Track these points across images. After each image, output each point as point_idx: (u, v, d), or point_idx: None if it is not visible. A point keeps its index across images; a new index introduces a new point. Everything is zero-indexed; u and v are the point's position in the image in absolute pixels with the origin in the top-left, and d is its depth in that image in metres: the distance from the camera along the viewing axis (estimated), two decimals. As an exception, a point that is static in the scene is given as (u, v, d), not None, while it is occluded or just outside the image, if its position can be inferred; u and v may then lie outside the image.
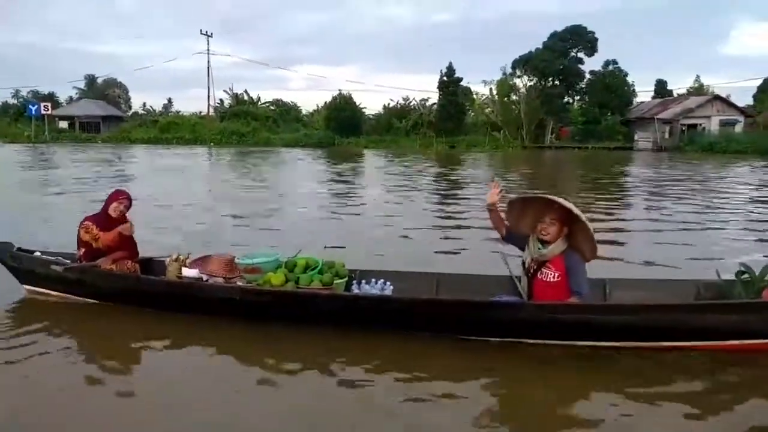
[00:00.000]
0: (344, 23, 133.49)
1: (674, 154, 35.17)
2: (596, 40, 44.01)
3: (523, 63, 45.25)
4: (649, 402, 3.19)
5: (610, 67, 45.62)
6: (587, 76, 45.28)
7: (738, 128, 40.17)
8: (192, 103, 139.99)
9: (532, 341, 3.88)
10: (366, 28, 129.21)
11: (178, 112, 57.54)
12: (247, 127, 47.56)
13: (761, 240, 8.12)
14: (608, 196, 13.67)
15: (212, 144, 42.34)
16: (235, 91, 56.20)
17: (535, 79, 45.41)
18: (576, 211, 3.75)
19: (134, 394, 3.37)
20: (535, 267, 3.98)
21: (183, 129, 47.64)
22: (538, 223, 3.95)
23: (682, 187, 15.65)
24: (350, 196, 13.24)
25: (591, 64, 45.23)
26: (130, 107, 71.85)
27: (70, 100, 64.64)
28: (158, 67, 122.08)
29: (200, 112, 55.62)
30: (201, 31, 51.70)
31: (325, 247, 4.98)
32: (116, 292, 4.70)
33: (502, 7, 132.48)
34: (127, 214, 4.85)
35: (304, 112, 58.06)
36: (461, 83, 45.74)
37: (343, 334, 4.07)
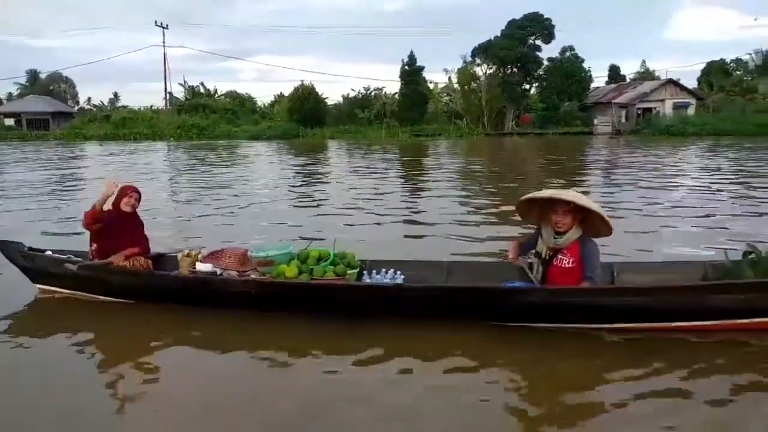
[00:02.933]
0: (296, 14, 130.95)
1: (634, 138, 36.20)
2: (553, 27, 44.76)
3: (483, 51, 45.69)
4: (663, 384, 3.27)
5: (567, 54, 46.52)
6: (545, 63, 46.07)
7: (690, 111, 41.74)
8: (140, 97, 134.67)
9: (544, 325, 3.98)
10: (318, 19, 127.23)
11: (125, 106, 55.31)
12: (207, 120, 46.44)
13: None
14: (601, 181, 13.89)
15: (172, 139, 41.15)
16: (190, 84, 54.88)
17: (494, 67, 45.91)
18: (588, 204, 3.88)
19: (151, 390, 3.35)
20: (551, 254, 4.08)
21: (139, 124, 46.09)
22: (551, 214, 4.03)
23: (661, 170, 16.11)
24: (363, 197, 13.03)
25: (548, 51, 46.14)
26: (77, 102, 68.87)
27: (9, 96, 61.86)
28: (104, 61, 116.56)
29: (152, 107, 54.03)
30: (156, 22, 50.60)
31: (335, 240, 4.94)
32: (130, 289, 4.69)
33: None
34: (138, 209, 4.92)
35: (259, 103, 57.11)
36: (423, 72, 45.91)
37: (358, 324, 4.11)
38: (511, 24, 45.31)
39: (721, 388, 3.21)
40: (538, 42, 45.33)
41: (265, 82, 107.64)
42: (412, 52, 45.16)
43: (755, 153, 21.43)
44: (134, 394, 3.31)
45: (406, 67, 45.25)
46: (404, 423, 2.95)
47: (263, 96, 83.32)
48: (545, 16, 44.70)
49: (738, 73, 52.94)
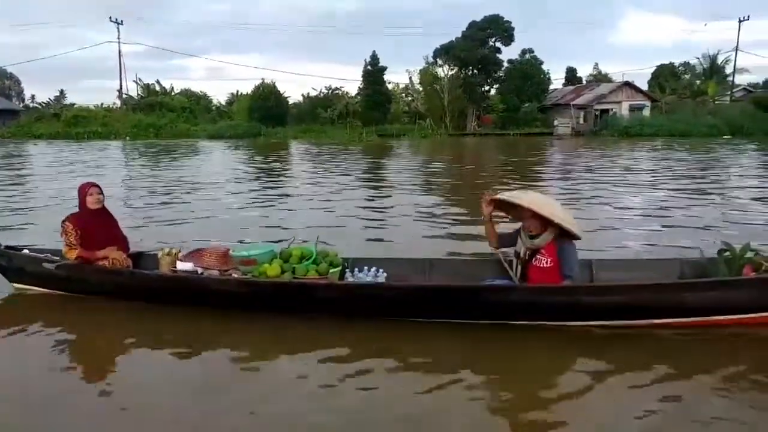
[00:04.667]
0: (246, 12, 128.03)
1: (594, 138, 37.12)
2: (513, 29, 45.37)
3: (445, 52, 45.95)
4: (637, 379, 3.31)
5: (527, 56, 47.27)
6: (505, 64, 46.65)
7: (646, 112, 43.05)
8: (87, 95, 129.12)
9: (525, 323, 4.00)
10: (269, 18, 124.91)
11: (73, 104, 52.84)
12: (164, 119, 45.00)
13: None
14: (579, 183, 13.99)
15: (128, 138, 39.66)
16: (146, 82, 53.13)
17: (456, 68, 46.24)
18: (546, 213, 3.89)
19: (128, 389, 3.31)
20: (529, 254, 4.12)
21: (92, 123, 44.19)
22: (522, 217, 4.11)
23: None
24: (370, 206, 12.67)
25: (508, 53, 46.80)
26: (22, 100, 65.78)
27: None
28: (49, 58, 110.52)
29: (102, 105, 52.06)
30: (110, 18, 48.55)
31: (318, 238, 4.90)
32: (110, 288, 4.64)
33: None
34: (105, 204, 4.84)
35: (214, 102, 55.76)
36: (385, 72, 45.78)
37: (339, 323, 4.11)
38: (472, 26, 45.71)
39: (700, 386, 3.26)
40: (498, 44, 45.90)
41: (217, 81, 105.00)
42: (374, 52, 45.13)
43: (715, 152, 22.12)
44: (106, 393, 3.28)
45: (369, 68, 45.05)
46: (384, 425, 2.91)
47: (217, 95, 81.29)
48: (505, 19, 45.31)
49: (686, 76, 55.00)
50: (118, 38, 48.18)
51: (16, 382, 3.40)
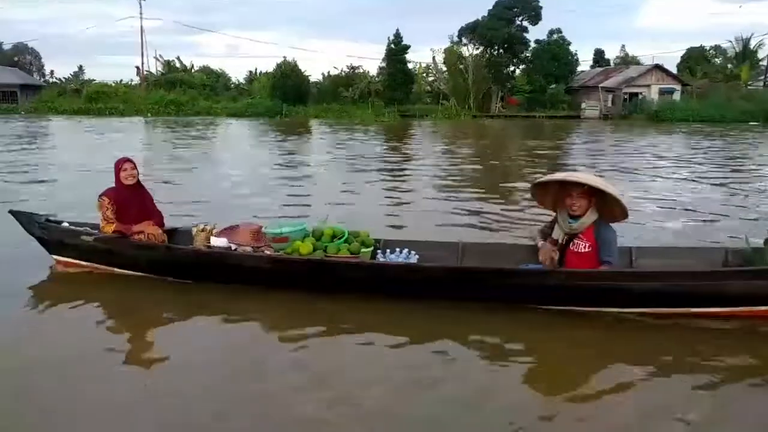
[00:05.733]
0: None
1: (623, 122, 36.42)
2: (540, 8, 44.21)
3: (471, 31, 45.03)
4: (679, 367, 3.28)
5: (554, 36, 46.13)
6: (532, 44, 45.61)
7: (676, 96, 41.84)
8: (105, 70, 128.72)
9: (560, 308, 3.95)
10: None
11: (92, 80, 52.54)
12: (185, 96, 44.82)
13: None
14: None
15: (149, 114, 39.59)
16: (166, 59, 52.91)
17: (481, 48, 45.32)
18: (603, 186, 3.78)
19: (164, 365, 3.36)
20: (567, 239, 4.05)
21: (113, 99, 44.16)
22: (565, 198, 4.01)
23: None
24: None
25: (535, 33, 45.66)
26: (42, 75, 65.92)
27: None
28: (67, 34, 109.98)
29: (121, 81, 51.75)
30: (132, -8, 48.03)
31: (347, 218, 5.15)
32: (146, 262, 4.68)
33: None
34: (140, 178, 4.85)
35: (233, 79, 55.28)
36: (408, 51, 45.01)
37: (371, 302, 4.10)
38: (498, 4, 44.63)
39: (741, 376, 3.19)
40: (525, 23, 44.81)
41: (234, 58, 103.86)
42: (398, 30, 44.26)
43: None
44: (143, 365, 3.37)
45: (392, 46, 44.29)
46: (422, 404, 2.89)
47: (235, 73, 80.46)
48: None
49: (717, 60, 53.44)
50: (140, 14, 48.02)
51: (53, 355, 3.41)
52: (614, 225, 4.05)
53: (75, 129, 24.82)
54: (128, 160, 4.81)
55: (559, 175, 4.11)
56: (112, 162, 4.91)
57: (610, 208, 3.94)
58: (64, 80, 58.53)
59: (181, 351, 3.51)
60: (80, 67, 65.61)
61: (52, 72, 64.63)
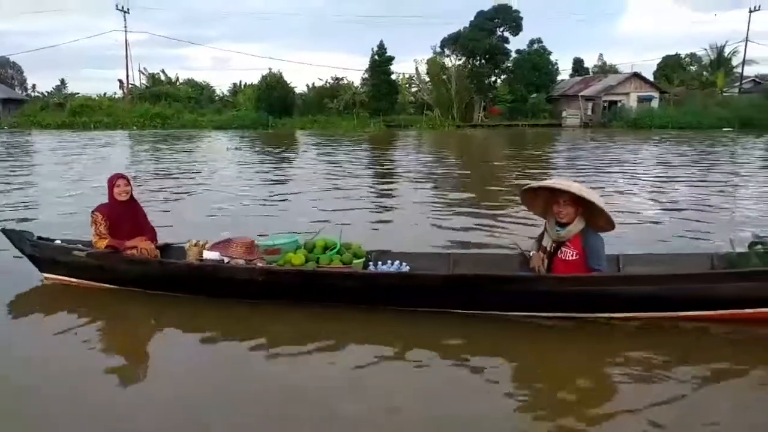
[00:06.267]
0: (245, 1, 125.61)
1: (603, 130, 36.95)
2: (521, 18, 44.91)
3: (452, 42, 45.58)
4: (665, 371, 3.29)
5: (535, 46, 46.88)
6: (513, 54, 46.29)
7: (654, 104, 42.70)
8: (88, 84, 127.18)
9: (549, 314, 3.98)
10: (270, 6, 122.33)
11: (75, 94, 52.14)
12: (169, 109, 44.80)
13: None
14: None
15: (135, 128, 39.52)
16: (150, 72, 52.87)
17: (463, 59, 45.89)
18: (587, 194, 3.85)
19: (154, 380, 3.38)
20: (554, 246, 4.08)
21: (97, 113, 44.00)
22: (552, 205, 4.05)
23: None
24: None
25: (516, 44, 46.32)
26: (25, 89, 65.30)
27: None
28: (50, 48, 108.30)
29: (105, 94, 51.62)
30: (117, 6, 47.96)
31: (341, 230, 5.05)
32: (139, 277, 4.69)
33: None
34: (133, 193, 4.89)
35: (218, 92, 55.38)
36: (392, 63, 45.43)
37: (363, 313, 4.13)
38: (480, 15, 45.27)
39: (727, 378, 3.24)
40: (507, 34, 45.46)
41: (218, 71, 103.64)
42: (382, 41, 44.66)
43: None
44: (131, 383, 3.35)
45: (376, 57, 44.71)
46: (409, 413, 2.92)
47: (220, 85, 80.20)
48: (513, 8, 44.90)
49: (692, 68, 54.55)
50: (125, 27, 47.93)
51: (42, 370, 3.44)
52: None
53: (63, 145, 24.67)
54: (122, 176, 4.84)
55: (546, 183, 4.15)
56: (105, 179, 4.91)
57: (597, 217, 3.97)
58: (46, 94, 58.17)
59: (171, 364, 3.54)
60: (63, 81, 65.23)
61: (34, 86, 64.10)
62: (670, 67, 53.09)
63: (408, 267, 4.62)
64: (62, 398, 3.13)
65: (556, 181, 4.10)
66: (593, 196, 3.88)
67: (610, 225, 3.96)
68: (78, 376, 3.39)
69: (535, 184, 4.25)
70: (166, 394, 3.16)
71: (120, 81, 53.12)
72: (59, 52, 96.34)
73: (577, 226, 3.97)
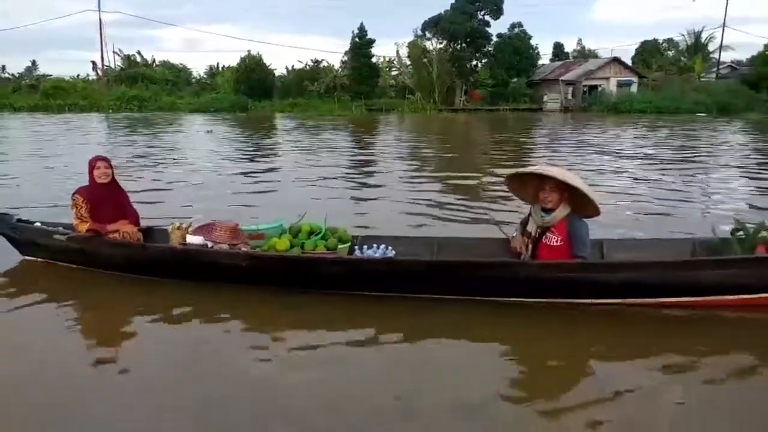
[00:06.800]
0: None
1: (583, 114, 37.37)
2: (502, 2, 44.83)
3: (433, 25, 45.37)
4: (645, 356, 3.33)
5: (516, 30, 46.89)
6: (494, 38, 46.24)
7: (633, 88, 43.14)
8: (59, 66, 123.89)
9: (534, 300, 4.00)
10: None
11: (46, 75, 50.97)
12: (147, 91, 43.95)
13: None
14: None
15: (111, 111, 38.71)
16: (126, 53, 51.69)
17: (444, 42, 45.73)
18: (571, 181, 3.86)
19: (136, 363, 3.33)
20: (539, 232, 4.09)
21: (72, 95, 42.97)
22: (539, 191, 4.04)
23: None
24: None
25: (497, 28, 46.38)
26: (-8, 71, 63.26)
27: None
28: (16, 28, 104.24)
29: (78, 76, 50.41)
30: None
31: (326, 214, 4.96)
32: (121, 261, 4.65)
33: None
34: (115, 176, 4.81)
35: (194, 74, 54.56)
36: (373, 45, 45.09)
37: (347, 298, 4.11)
38: (461, -2, 45.09)
39: (709, 365, 3.24)
40: (488, 17, 45.38)
41: (194, 52, 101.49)
42: (362, 24, 44.31)
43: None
44: (111, 367, 3.29)
45: (357, 39, 44.32)
46: (395, 400, 2.89)
47: (196, 67, 78.44)
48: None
49: (670, 53, 55.15)
50: (98, 6, 46.68)
51: (21, 353, 3.40)
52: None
53: (46, 128, 24.07)
54: (102, 158, 4.76)
55: (530, 169, 4.16)
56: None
57: (583, 203, 3.96)
58: (17, 75, 56.56)
59: (149, 349, 3.50)
60: (34, 62, 63.35)
61: (3, 67, 62.07)
62: (648, 51, 53.68)
63: (393, 251, 4.61)
64: (25, 382, 3.08)
65: (540, 167, 4.12)
66: (578, 182, 3.87)
67: (595, 211, 3.97)
68: (44, 359, 3.34)
69: (519, 170, 4.25)
70: (137, 379, 3.14)
71: (93, 62, 52.17)
72: (28, 32, 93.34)
73: (561, 212, 3.98)
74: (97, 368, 3.27)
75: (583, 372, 3.26)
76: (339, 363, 3.31)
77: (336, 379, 3.12)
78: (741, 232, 4.23)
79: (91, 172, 4.67)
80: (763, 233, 4.12)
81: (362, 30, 44.27)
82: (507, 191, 4.63)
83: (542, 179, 3.99)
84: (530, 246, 4.16)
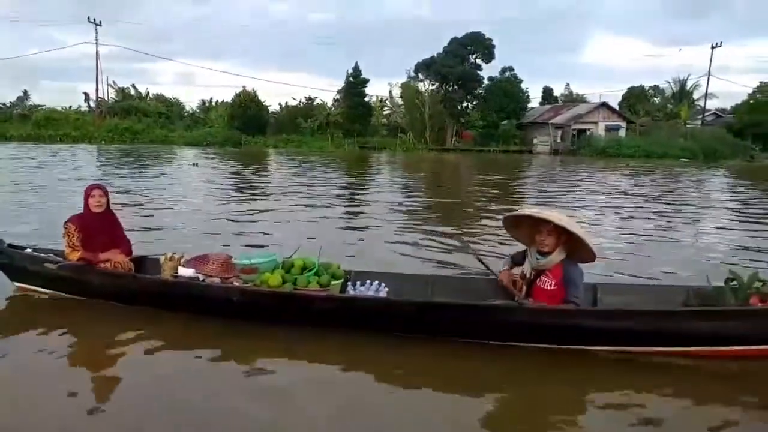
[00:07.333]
0: (217, 18, 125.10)
1: (573, 158, 37.77)
2: (494, 46, 46.05)
3: (426, 67, 46.34)
4: (636, 405, 3.26)
5: (507, 74, 47.95)
6: (485, 81, 47.23)
7: (621, 133, 43.96)
8: (49, 96, 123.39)
9: (525, 344, 3.94)
10: (240, 25, 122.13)
11: (38, 106, 51.14)
12: (139, 124, 44.14)
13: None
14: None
15: (103, 142, 38.74)
16: (120, 86, 52.08)
17: (436, 84, 46.62)
18: (569, 226, 3.87)
19: (123, 395, 3.30)
20: (534, 274, 4.09)
21: (64, 126, 43.01)
22: (536, 234, 4.04)
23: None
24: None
25: (488, 71, 47.42)
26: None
27: None
28: (9, 58, 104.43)
29: (70, 107, 50.58)
30: (89, 18, 47.15)
31: (320, 248, 4.89)
32: (111, 291, 4.60)
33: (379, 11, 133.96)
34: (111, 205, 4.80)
35: (187, 108, 55.19)
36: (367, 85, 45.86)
37: (338, 336, 4.05)
38: (453, 42, 46.21)
39: (697, 416, 3.18)
40: (479, 61, 46.44)
41: (187, 86, 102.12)
42: (356, 63, 45.19)
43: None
44: (95, 399, 3.23)
45: (351, 79, 45.07)
46: None
47: (188, 101, 78.91)
48: (486, 36, 45.93)
49: (656, 99, 56.57)
50: (96, 39, 47.15)
51: (8, 385, 3.36)
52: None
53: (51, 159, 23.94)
54: (98, 186, 4.75)
55: (528, 211, 4.15)
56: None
57: (579, 247, 3.95)
58: (8, 105, 56.57)
59: (134, 380, 3.47)
60: (25, 92, 63.48)
61: (-6, 96, 61.84)
62: (635, 97, 54.91)
63: (387, 288, 4.55)
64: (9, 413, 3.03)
65: (538, 211, 4.10)
66: (575, 227, 3.88)
67: (591, 256, 3.96)
68: (28, 388, 3.30)
69: (517, 212, 4.26)
70: (127, 411, 3.10)
71: (85, 94, 52.41)
72: (20, 62, 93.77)
73: (557, 256, 3.97)
74: (77, 400, 3.19)
75: (573, 418, 3.19)
76: (320, 404, 3.23)
77: (322, 416, 3.06)
78: (734, 282, 4.16)
79: (86, 200, 4.67)
80: (757, 284, 4.05)
81: (356, 69, 45.10)
82: (501, 229, 4.61)
83: (540, 222, 3.98)
84: (524, 288, 4.13)
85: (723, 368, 3.71)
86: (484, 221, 9.57)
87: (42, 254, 4.81)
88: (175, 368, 3.64)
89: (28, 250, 4.89)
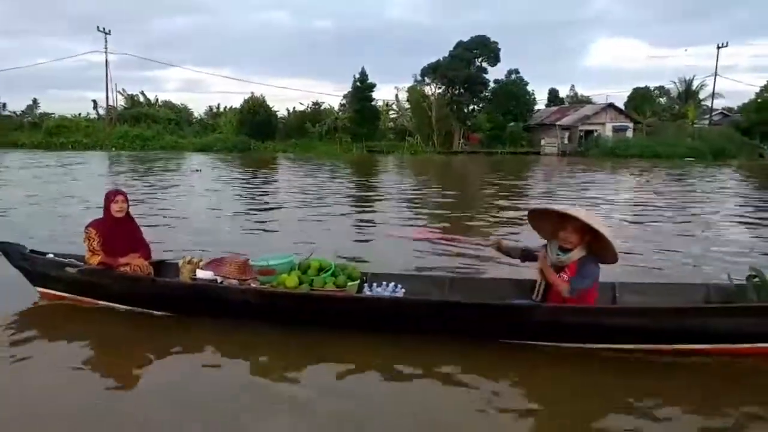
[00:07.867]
0: (221, 25, 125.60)
1: (581, 158, 37.65)
2: (499, 50, 46.05)
3: (432, 71, 46.44)
4: (658, 404, 3.26)
5: (513, 77, 48.00)
6: (491, 84, 47.30)
7: (629, 134, 43.86)
8: (59, 105, 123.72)
9: (543, 343, 3.93)
10: (245, 32, 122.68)
11: (48, 114, 51.08)
12: (149, 130, 44.52)
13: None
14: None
15: (114, 149, 39.12)
16: (129, 93, 52.56)
17: (443, 87, 46.71)
18: (595, 225, 3.81)
19: (145, 399, 3.33)
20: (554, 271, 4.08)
21: (75, 133, 43.47)
22: (560, 230, 4.00)
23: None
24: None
25: (494, 74, 47.42)
26: (-5, 108, 63.63)
27: None
28: (18, 67, 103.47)
29: (80, 114, 50.83)
30: (98, 27, 47.60)
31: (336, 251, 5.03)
32: (131, 295, 4.63)
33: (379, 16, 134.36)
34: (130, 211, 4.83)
35: (195, 114, 55.48)
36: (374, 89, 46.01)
37: (356, 337, 4.07)
38: (459, 45, 46.29)
39: (716, 414, 3.16)
40: (485, 64, 46.49)
41: (194, 93, 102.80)
42: (363, 68, 45.34)
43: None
44: (120, 402, 3.30)
45: (358, 84, 45.26)
46: None
47: (195, 108, 79.22)
48: (492, 40, 46.01)
49: (661, 100, 56.36)
50: (105, 48, 47.61)
51: (30, 390, 3.39)
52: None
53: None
54: (120, 192, 4.79)
55: (555, 207, 4.12)
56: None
57: (600, 247, 3.89)
58: (19, 113, 57.06)
59: (157, 385, 3.49)
60: (35, 101, 63.99)
61: (4, 105, 62.44)
62: (641, 97, 54.72)
63: (403, 290, 4.55)
64: (29, 420, 3.06)
65: (567, 208, 4.05)
66: (601, 227, 3.81)
67: (613, 257, 3.92)
68: (51, 393, 3.34)
69: (545, 206, 4.23)
70: (149, 414, 3.12)
71: (94, 101, 52.85)
72: (29, 71, 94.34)
73: (578, 253, 3.94)
74: (100, 403, 3.24)
75: (594, 421, 3.18)
76: (342, 401, 3.28)
77: (345, 417, 3.08)
78: (757, 279, 4.12)
79: (107, 205, 4.69)
80: None
81: (363, 74, 45.27)
82: (516, 229, 4.61)
83: (565, 219, 3.95)
84: (542, 284, 4.11)
85: (735, 367, 3.69)
86: (501, 221, 9.53)
87: (63, 260, 4.84)
88: (191, 370, 3.68)
89: (50, 256, 4.94)
